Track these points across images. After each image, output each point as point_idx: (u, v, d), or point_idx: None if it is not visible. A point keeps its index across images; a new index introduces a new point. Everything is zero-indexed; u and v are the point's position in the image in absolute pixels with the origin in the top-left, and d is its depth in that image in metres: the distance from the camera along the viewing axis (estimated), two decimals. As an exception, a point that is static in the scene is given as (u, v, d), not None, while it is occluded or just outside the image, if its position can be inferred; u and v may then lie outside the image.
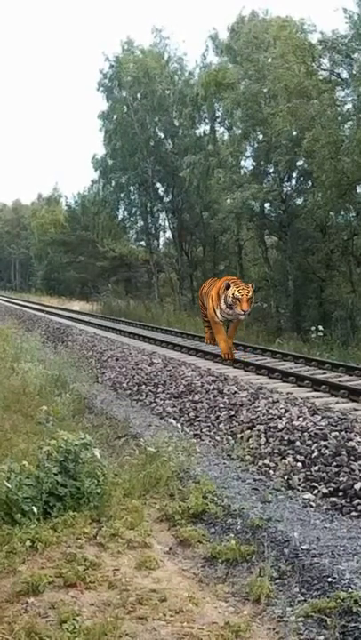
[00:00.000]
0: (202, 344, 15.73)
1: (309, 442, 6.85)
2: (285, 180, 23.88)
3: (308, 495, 5.87)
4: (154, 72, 30.92)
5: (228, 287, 12.78)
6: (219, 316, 13.28)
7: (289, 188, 24.05)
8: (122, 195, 34.87)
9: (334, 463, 6.26)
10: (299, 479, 6.20)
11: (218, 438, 7.89)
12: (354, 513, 5.44)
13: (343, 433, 6.85)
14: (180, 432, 7.70)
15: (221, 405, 8.95)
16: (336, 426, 7.15)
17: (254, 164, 25.23)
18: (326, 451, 6.52)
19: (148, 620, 3.84)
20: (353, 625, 3.64)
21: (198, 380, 10.46)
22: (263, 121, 22.05)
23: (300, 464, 6.49)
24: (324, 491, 5.88)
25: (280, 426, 7.52)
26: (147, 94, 31.19)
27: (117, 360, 13.66)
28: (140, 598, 4.07)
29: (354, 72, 18.06)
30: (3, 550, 4.60)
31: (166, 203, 34.15)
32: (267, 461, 6.77)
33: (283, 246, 24.42)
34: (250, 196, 22.00)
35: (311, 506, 5.63)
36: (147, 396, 10.46)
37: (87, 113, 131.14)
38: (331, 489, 5.88)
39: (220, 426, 8.27)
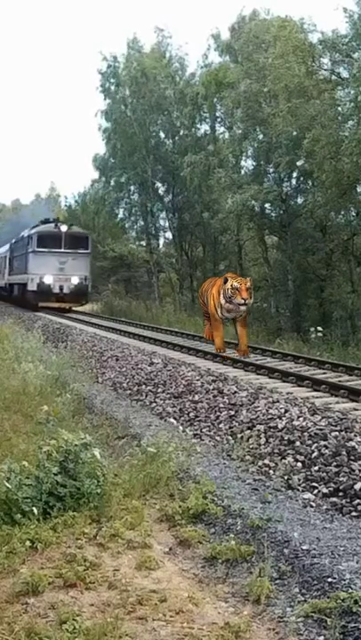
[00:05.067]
0: (202, 344, 15.74)
1: (309, 442, 6.85)
2: (286, 179, 23.90)
3: (308, 495, 5.87)
4: (152, 71, 30.88)
5: (226, 281, 13.22)
6: (220, 313, 13.42)
7: (289, 188, 24.07)
8: (121, 194, 34.86)
9: (334, 463, 6.26)
10: (299, 479, 6.20)
11: (218, 438, 7.88)
12: (354, 513, 5.44)
13: (343, 433, 6.85)
14: (181, 432, 7.70)
15: (221, 405, 8.94)
16: (336, 426, 7.15)
17: (255, 163, 25.27)
18: (326, 451, 6.52)
19: (148, 621, 3.83)
20: (353, 625, 3.64)
21: (198, 380, 10.45)
22: (263, 121, 22.10)
23: (300, 464, 6.48)
24: (325, 491, 5.88)
25: (280, 426, 7.51)
26: (145, 94, 31.17)
27: (117, 360, 13.65)
28: (140, 599, 4.06)
29: (354, 72, 18.06)
30: (3, 550, 4.59)
31: (166, 202, 34.15)
32: (267, 461, 6.76)
33: (283, 246, 24.45)
34: (249, 197, 22.04)
35: (311, 506, 5.62)
36: (147, 395, 10.45)
37: (85, 111, 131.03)
38: (331, 489, 5.88)
39: (220, 426, 8.26)
